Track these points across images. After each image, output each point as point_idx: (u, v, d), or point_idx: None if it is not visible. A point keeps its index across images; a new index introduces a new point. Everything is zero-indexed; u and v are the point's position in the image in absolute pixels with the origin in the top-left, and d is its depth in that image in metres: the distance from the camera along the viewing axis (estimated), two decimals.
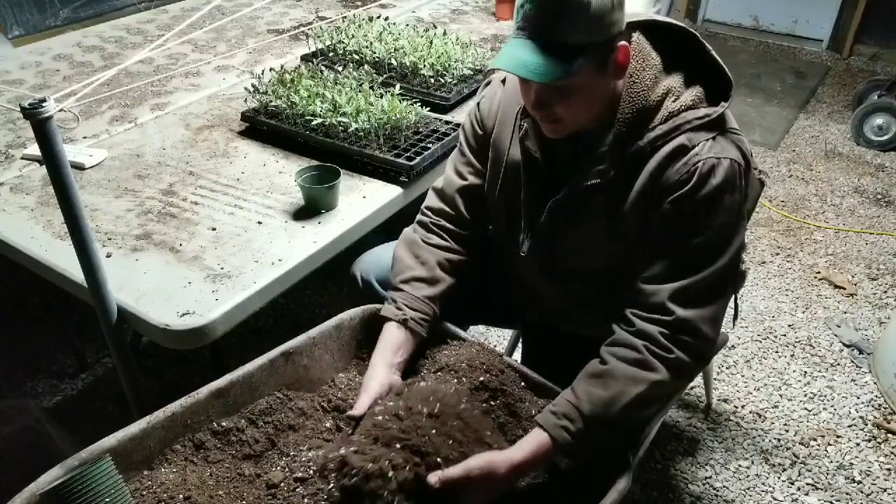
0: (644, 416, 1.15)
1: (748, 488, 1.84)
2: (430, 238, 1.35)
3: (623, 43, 1.06)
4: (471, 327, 1.78)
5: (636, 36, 1.13)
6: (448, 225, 1.37)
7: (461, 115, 1.99)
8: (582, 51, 1.02)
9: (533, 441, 1.06)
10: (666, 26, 1.15)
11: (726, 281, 1.13)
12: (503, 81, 1.33)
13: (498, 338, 2.29)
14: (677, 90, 1.11)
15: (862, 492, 1.82)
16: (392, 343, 1.23)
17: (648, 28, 1.15)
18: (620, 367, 1.08)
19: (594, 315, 1.30)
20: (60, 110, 1.07)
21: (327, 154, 1.75)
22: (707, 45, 1.14)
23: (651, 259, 1.12)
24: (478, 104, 1.36)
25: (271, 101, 1.85)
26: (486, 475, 1.00)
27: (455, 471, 0.99)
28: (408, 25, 2.34)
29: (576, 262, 1.25)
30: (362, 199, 1.63)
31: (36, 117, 1.03)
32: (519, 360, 1.29)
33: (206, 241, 1.47)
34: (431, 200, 1.40)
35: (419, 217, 1.40)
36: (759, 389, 2.14)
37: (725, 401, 2.10)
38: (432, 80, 2.03)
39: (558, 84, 1.04)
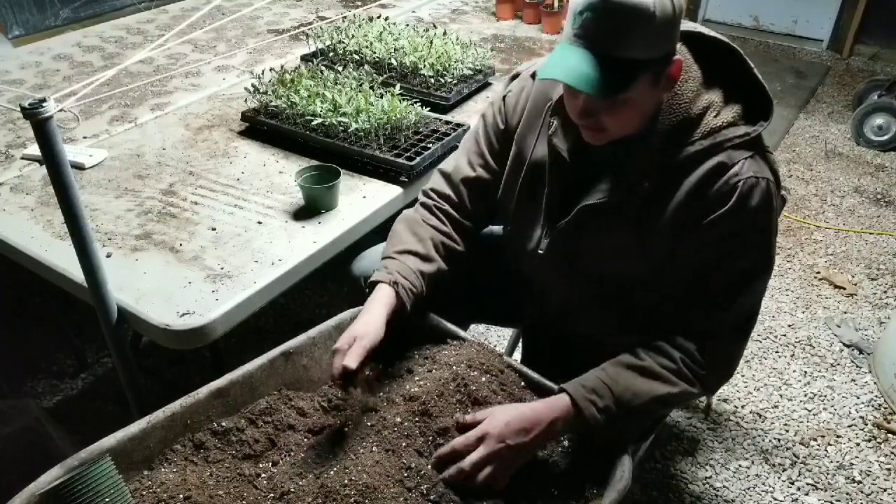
0: (663, 413, 1.20)
1: (748, 488, 1.84)
2: (430, 220, 1.33)
3: (678, 57, 1.03)
4: (471, 327, 1.78)
5: (679, 46, 1.10)
6: (451, 211, 1.35)
7: (461, 115, 2.00)
8: (642, 67, 0.99)
9: (557, 402, 1.09)
10: (710, 40, 1.13)
11: (759, 302, 1.13)
12: (532, 76, 1.29)
13: (498, 338, 2.29)
14: (717, 105, 1.09)
15: (862, 492, 1.82)
16: (387, 297, 1.20)
17: (691, 39, 1.12)
18: (657, 367, 1.10)
19: (602, 316, 1.29)
20: (60, 110, 1.07)
21: (327, 154, 1.75)
22: (750, 62, 1.11)
23: (690, 279, 1.12)
24: (503, 98, 1.32)
25: (271, 101, 1.85)
26: (508, 410, 1.07)
27: (480, 414, 1.07)
28: (408, 25, 2.34)
29: (596, 266, 1.23)
30: (362, 199, 1.63)
31: (36, 117, 1.03)
32: (519, 360, 1.29)
33: (206, 241, 1.47)
34: (437, 183, 1.38)
35: (422, 199, 1.38)
36: (759, 389, 2.14)
37: (725, 401, 2.10)
38: (432, 80, 2.03)
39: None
